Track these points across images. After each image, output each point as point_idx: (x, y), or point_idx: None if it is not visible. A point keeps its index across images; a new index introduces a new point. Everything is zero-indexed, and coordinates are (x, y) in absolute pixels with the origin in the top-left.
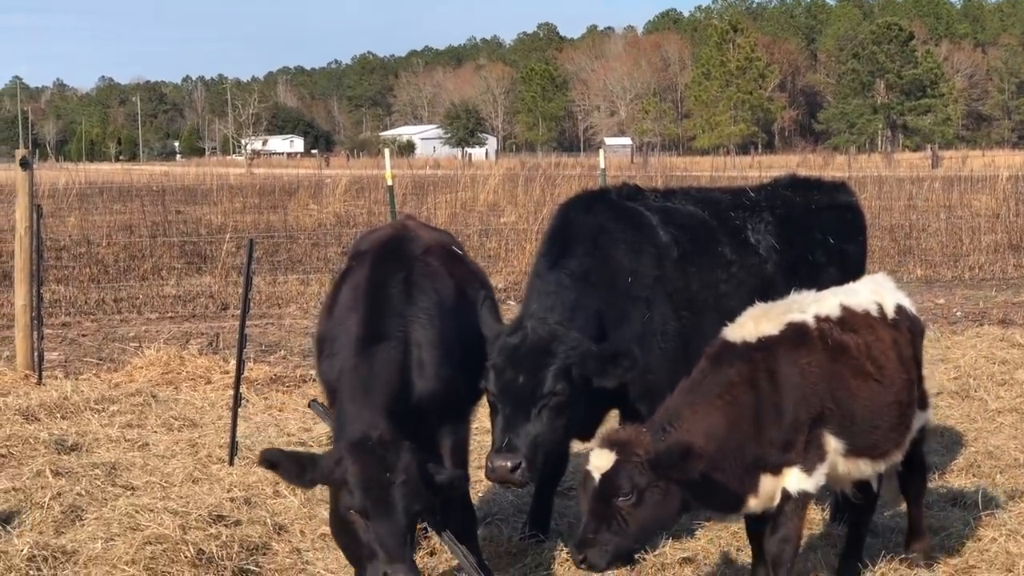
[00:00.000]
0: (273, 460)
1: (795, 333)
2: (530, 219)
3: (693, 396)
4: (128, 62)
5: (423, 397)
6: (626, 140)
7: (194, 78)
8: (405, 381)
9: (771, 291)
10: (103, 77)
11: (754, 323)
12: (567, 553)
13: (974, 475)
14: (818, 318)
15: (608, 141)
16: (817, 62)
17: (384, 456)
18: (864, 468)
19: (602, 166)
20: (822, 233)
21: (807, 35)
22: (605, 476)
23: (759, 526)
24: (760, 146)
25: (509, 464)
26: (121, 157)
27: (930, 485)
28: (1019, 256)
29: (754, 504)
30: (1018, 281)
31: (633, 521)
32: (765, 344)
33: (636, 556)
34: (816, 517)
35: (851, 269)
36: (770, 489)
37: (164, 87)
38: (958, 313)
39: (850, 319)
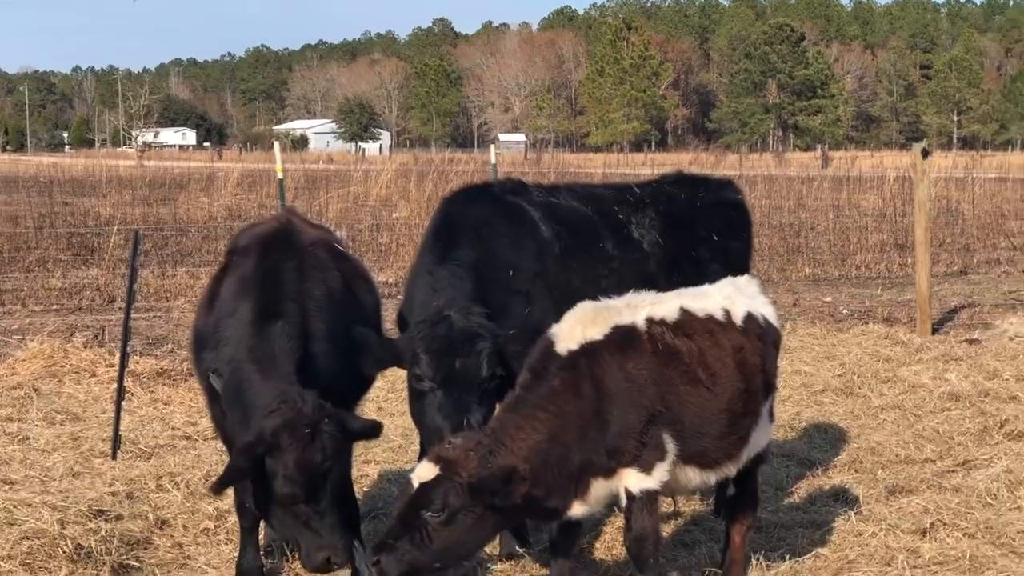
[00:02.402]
0: (227, 481)
1: (621, 337)
2: (422, 214)
3: (516, 414)
4: (16, 51)
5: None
6: (520, 136)
7: (84, 68)
8: (307, 353)
9: (653, 287)
10: None
11: (580, 327)
12: None
13: (856, 471)
14: (650, 321)
15: (502, 137)
16: (710, 61)
17: (321, 442)
18: (693, 476)
19: (493, 161)
20: (706, 230)
21: (700, 34)
22: (421, 487)
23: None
24: (653, 144)
25: None
26: (8, 148)
27: (813, 480)
28: (904, 255)
29: (580, 509)
30: (903, 280)
31: (437, 539)
32: (589, 350)
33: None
34: (700, 511)
35: (735, 266)
36: (602, 492)
37: (53, 77)
38: (844, 311)
39: (687, 323)
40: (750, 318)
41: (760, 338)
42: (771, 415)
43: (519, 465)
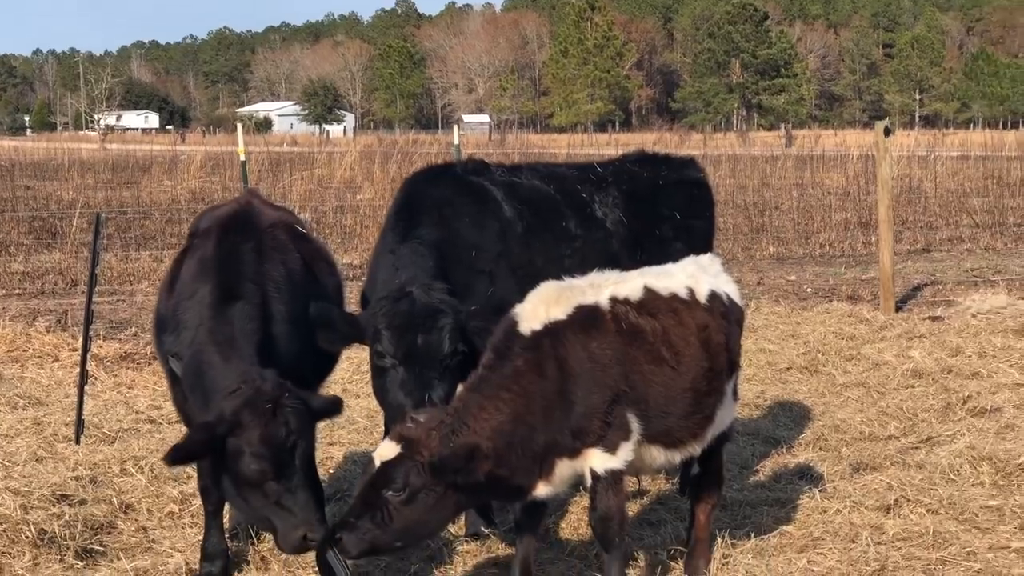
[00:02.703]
0: (183, 454)
1: (585, 317)
2: (387, 196)
3: (479, 394)
4: None
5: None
6: (484, 117)
7: (45, 51)
8: (267, 334)
9: (617, 265)
10: None
11: (543, 307)
12: None
13: (821, 448)
14: (614, 300)
15: (466, 118)
16: (674, 41)
17: (285, 417)
18: (657, 456)
19: (456, 142)
20: (669, 208)
21: (664, 14)
22: (383, 466)
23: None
24: (617, 124)
25: None
26: None
27: (778, 458)
28: (868, 234)
29: (545, 489)
30: (867, 258)
31: (398, 518)
32: (552, 330)
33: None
34: (665, 490)
35: (698, 244)
36: (567, 472)
37: (13, 60)
38: (808, 289)
39: (651, 302)
40: (714, 296)
41: (724, 316)
42: (735, 394)
43: (482, 444)
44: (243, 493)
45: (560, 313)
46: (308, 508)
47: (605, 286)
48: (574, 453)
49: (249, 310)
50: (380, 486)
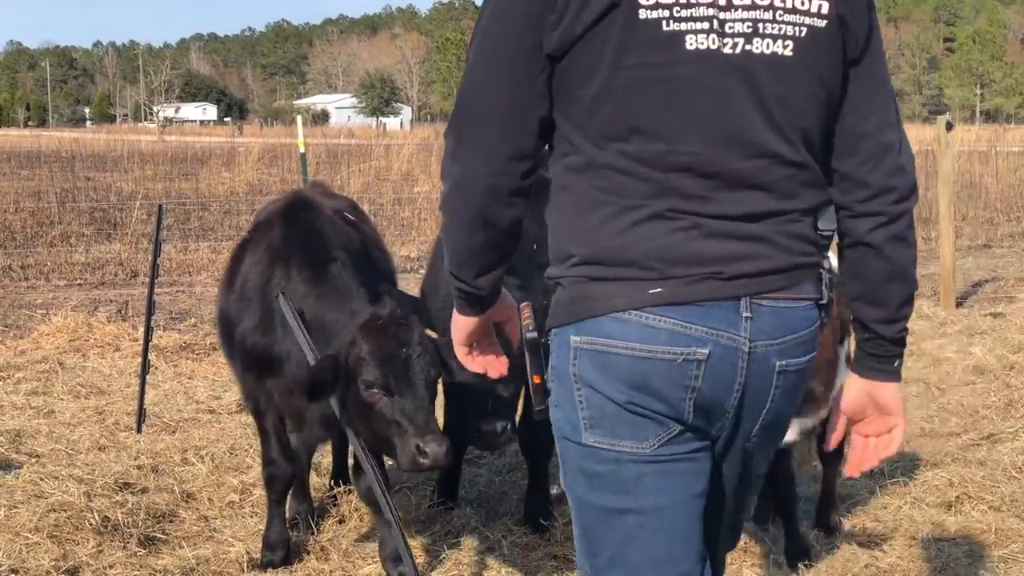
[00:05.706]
0: (318, 385)
1: None
2: None
3: None
4: (37, 26)
5: None
6: None
7: (105, 43)
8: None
9: None
10: (11, 41)
11: None
12: (476, 521)
13: None
14: None
15: None
16: None
17: (396, 331)
18: (807, 422)
19: None
20: None
21: None
22: None
23: None
24: None
25: (502, 426)
26: (30, 123)
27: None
28: (928, 229)
29: None
30: (926, 253)
31: None
32: None
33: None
34: None
35: None
36: None
37: (74, 52)
38: None
39: None
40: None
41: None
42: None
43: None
44: (364, 416)
45: None
46: (419, 417)
47: None
48: None
49: (347, 269)
50: None
